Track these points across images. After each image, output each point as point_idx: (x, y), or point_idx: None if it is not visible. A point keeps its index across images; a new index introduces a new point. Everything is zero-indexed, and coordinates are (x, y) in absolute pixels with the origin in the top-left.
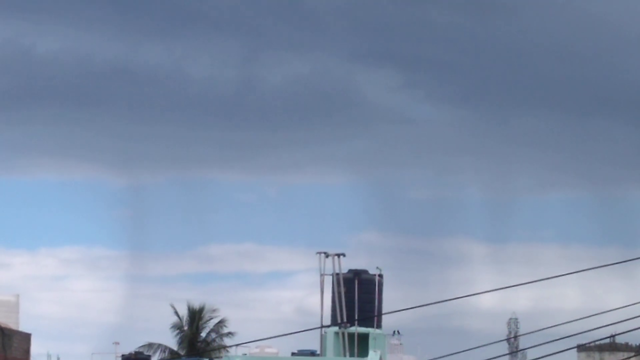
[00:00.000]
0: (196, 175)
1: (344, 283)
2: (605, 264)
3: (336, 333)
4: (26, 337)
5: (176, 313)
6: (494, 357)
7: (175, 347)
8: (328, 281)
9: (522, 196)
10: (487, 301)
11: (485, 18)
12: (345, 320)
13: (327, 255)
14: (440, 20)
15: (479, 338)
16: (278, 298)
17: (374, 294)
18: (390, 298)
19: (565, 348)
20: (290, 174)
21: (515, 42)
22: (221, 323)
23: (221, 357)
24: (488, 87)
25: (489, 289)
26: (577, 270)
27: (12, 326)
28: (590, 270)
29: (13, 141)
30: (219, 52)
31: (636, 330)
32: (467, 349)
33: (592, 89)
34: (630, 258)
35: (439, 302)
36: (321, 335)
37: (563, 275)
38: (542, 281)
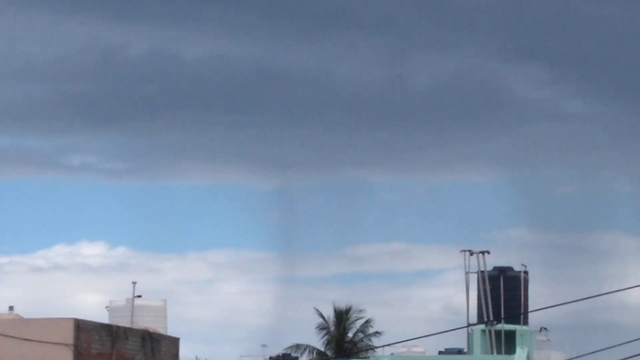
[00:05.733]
0: (345, 176)
1: (489, 281)
2: None
3: (483, 331)
4: (174, 342)
5: (320, 315)
6: None
7: (322, 348)
8: (474, 279)
9: None
10: (638, 296)
11: (637, 10)
12: (491, 317)
13: (471, 253)
14: (590, 14)
15: (629, 333)
16: (426, 296)
17: (520, 290)
18: (538, 294)
19: None
20: (439, 173)
21: None
22: (368, 323)
23: (368, 357)
24: (639, 80)
25: (638, 284)
26: None
27: (161, 331)
28: None
29: (163, 147)
30: (366, 53)
31: None
32: (615, 344)
33: None
34: None
35: (585, 298)
36: (468, 333)
37: None
38: None
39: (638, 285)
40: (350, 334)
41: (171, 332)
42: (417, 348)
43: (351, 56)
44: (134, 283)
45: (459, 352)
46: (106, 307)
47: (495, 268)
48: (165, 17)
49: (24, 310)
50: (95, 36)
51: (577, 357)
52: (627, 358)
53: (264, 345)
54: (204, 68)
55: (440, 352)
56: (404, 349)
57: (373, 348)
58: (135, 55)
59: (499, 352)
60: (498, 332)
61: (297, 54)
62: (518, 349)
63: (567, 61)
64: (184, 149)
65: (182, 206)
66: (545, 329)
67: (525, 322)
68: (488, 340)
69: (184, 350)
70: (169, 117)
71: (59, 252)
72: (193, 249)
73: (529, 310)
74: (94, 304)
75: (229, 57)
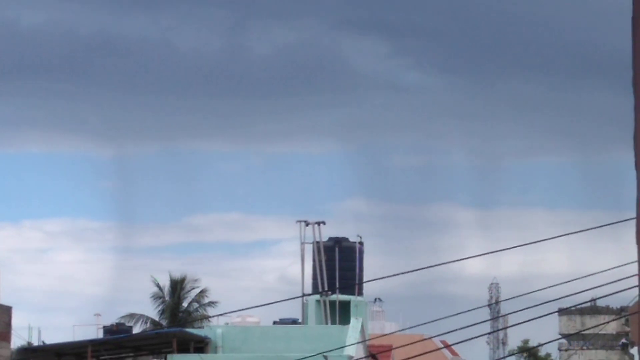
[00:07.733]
0: (182, 146)
1: (325, 251)
2: (592, 227)
3: (317, 301)
4: (7, 310)
5: (157, 284)
6: (475, 324)
7: (157, 318)
8: (309, 250)
9: (508, 161)
10: (473, 267)
11: None
12: (326, 288)
13: (307, 224)
14: None
15: (463, 304)
16: (262, 267)
17: (355, 261)
18: (374, 265)
19: (546, 313)
20: (277, 143)
21: (502, 8)
22: (203, 293)
23: (203, 327)
24: (476, 52)
25: (473, 255)
26: (563, 234)
27: None
28: (576, 234)
29: None
30: (205, 22)
31: (616, 294)
32: (447, 315)
33: (578, 53)
34: (618, 220)
35: (419, 269)
36: (303, 303)
37: (549, 239)
38: (528, 246)
39: (472, 257)
40: (185, 304)
41: (3, 300)
42: (252, 318)
43: (190, 25)
44: None
45: (294, 322)
46: None
47: (330, 239)
48: None
49: None
50: None
51: (410, 327)
52: (461, 328)
53: (97, 315)
54: (42, 35)
55: (275, 322)
56: (239, 319)
57: (207, 317)
58: None
59: (333, 322)
60: (333, 303)
61: (136, 22)
62: (352, 319)
63: (405, 34)
64: (20, 116)
65: (17, 174)
66: (379, 299)
67: (360, 293)
68: (323, 310)
69: (16, 320)
70: (4, 84)
71: None
72: (28, 217)
73: (364, 280)
74: None
75: (67, 24)
